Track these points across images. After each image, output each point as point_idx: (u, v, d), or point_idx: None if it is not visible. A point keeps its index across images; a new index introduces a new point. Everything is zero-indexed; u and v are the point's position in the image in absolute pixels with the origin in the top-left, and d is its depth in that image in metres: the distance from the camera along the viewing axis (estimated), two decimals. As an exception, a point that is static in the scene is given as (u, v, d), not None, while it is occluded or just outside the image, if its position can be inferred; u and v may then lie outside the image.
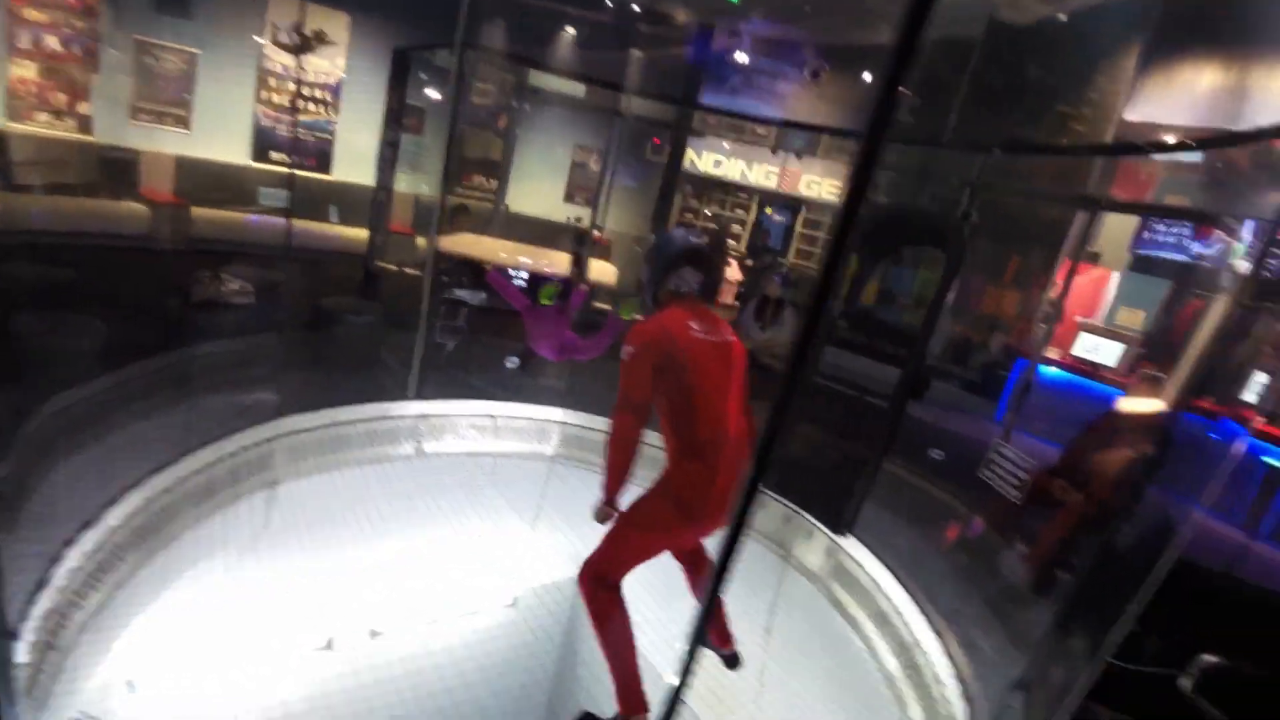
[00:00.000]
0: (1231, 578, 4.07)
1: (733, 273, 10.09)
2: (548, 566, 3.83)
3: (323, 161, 8.31)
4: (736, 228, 10.66)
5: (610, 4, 7.95)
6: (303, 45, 7.82)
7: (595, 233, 10.78)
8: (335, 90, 8.10)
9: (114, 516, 2.96)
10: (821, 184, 9.95)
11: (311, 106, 8.16)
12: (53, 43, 5.67)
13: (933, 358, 7.06)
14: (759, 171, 9.99)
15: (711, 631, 2.87)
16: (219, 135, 7.56)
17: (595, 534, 2.57)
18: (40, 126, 5.81)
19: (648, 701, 2.50)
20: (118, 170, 6.62)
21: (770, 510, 4.84)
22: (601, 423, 5.14)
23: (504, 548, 3.94)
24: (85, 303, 4.12)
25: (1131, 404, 3.76)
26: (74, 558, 2.67)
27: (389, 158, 5.75)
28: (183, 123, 7.22)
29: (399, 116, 5.83)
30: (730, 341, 2.53)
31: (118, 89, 6.50)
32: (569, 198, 10.25)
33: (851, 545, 4.22)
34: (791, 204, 10.43)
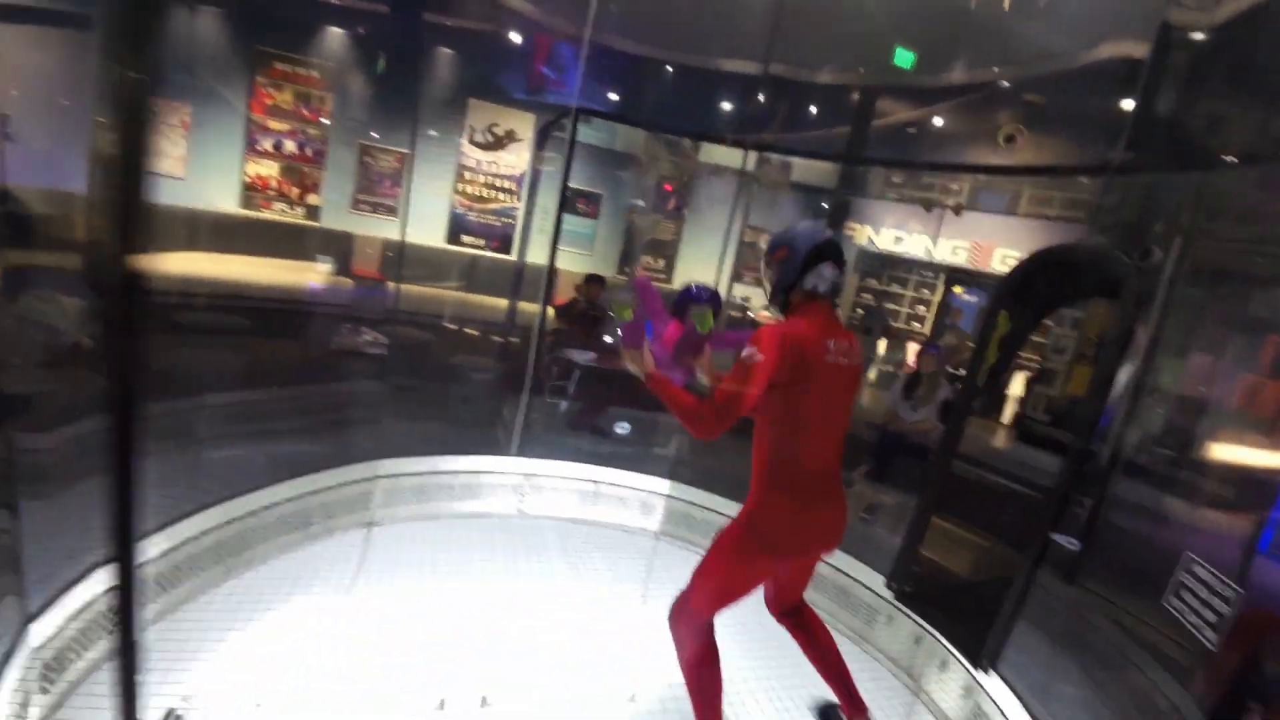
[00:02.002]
0: None
1: (910, 357, 9.10)
2: (662, 657, 3.33)
3: (505, 244, 9.12)
4: (921, 309, 9.70)
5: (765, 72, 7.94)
6: (495, 143, 8.78)
7: (763, 313, 10.45)
8: (519, 180, 8.94)
9: (200, 522, 3.17)
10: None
11: (500, 196, 9.06)
12: (290, 146, 6.97)
13: (1134, 449, 5.56)
14: (945, 247, 9.05)
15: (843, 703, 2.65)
16: (422, 222, 8.65)
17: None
18: (275, 214, 7.08)
19: None
20: (335, 250, 7.78)
21: (898, 626, 3.96)
22: (706, 497, 4.72)
23: (616, 629, 3.62)
24: (256, 343, 4.96)
25: None
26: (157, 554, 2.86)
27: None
28: (392, 212, 8.38)
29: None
30: (857, 365, 2.26)
31: (341, 184, 7.73)
32: (737, 277, 10.11)
33: (995, 686, 3.25)
34: (984, 282, 9.27)
